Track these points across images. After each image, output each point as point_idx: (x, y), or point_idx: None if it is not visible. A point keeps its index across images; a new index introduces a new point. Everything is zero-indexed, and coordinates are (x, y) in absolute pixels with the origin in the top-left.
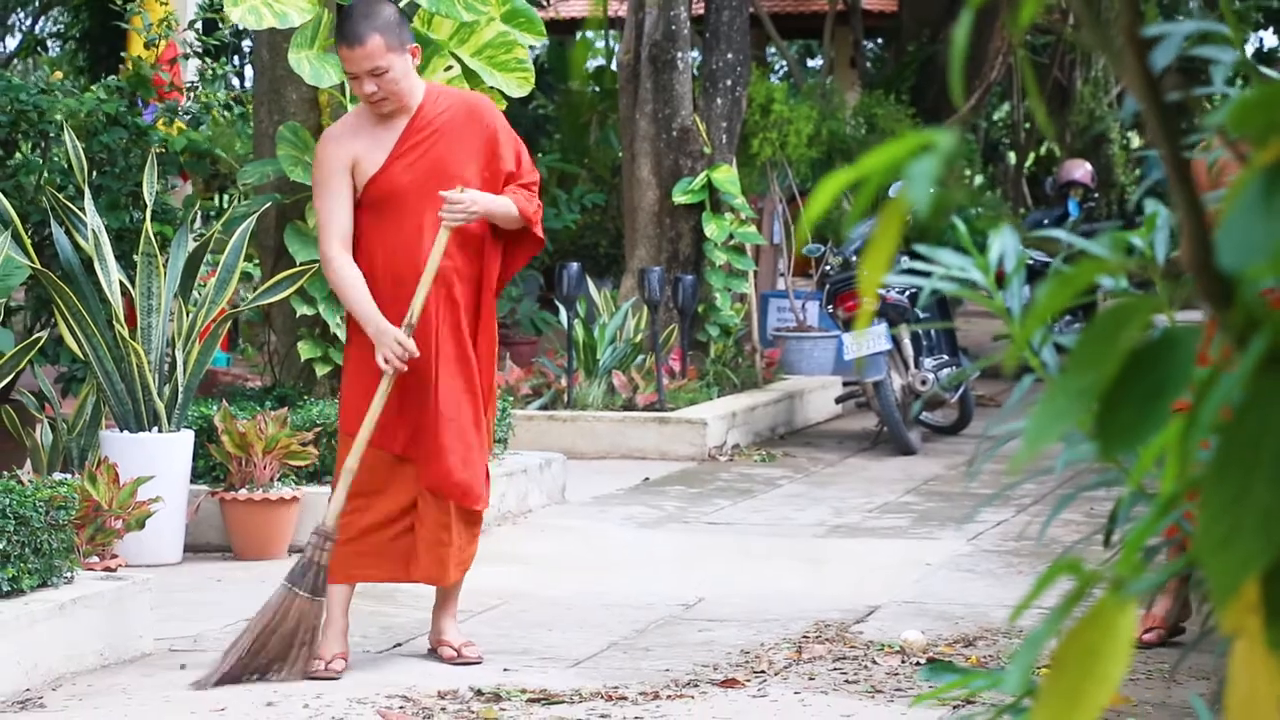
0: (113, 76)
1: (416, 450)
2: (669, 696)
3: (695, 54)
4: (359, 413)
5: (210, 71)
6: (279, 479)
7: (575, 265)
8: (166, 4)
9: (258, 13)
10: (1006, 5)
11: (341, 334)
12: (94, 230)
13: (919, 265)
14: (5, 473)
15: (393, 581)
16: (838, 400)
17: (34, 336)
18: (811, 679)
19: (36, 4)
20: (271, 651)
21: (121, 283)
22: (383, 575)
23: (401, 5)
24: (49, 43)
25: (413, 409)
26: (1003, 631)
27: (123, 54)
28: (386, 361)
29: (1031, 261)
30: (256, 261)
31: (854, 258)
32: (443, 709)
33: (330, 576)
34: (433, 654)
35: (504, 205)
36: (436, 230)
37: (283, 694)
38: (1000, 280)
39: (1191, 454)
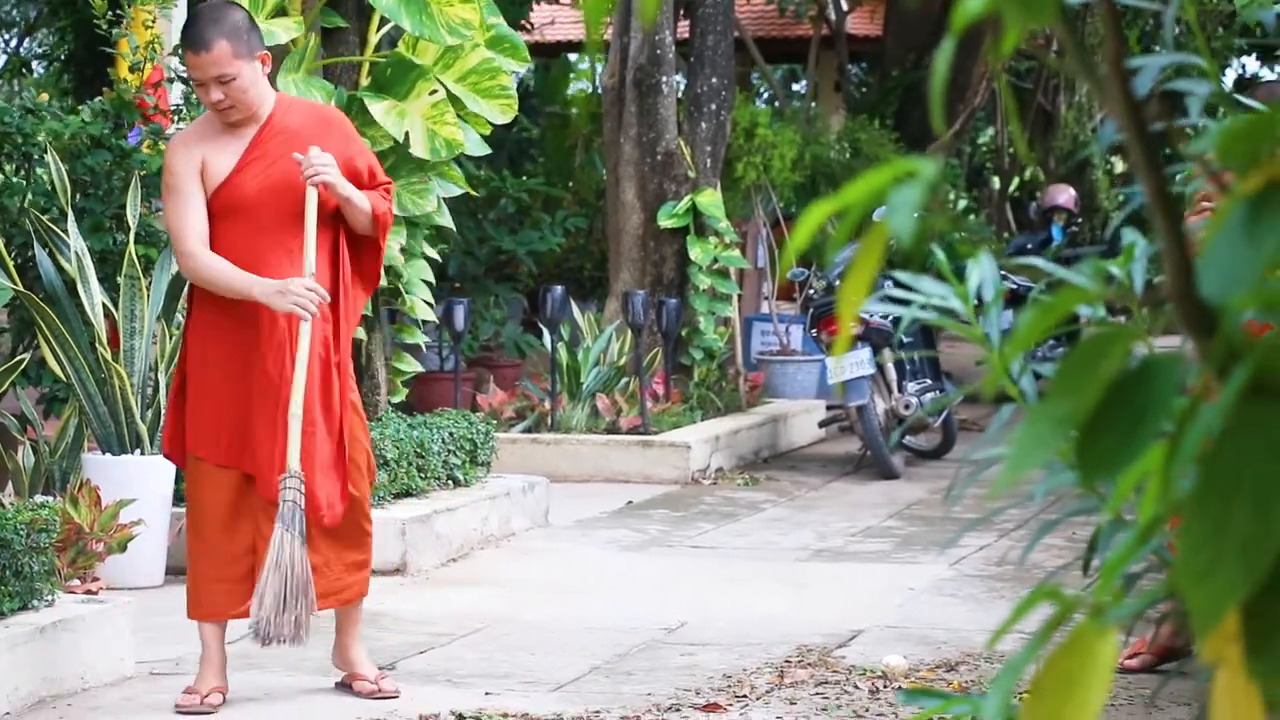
0: (98, 99)
1: (259, 462)
2: None
3: (680, 78)
4: (212, 431)
5: (195, 95)
6: None
7: (559, 288)
8: (153, 27)
9: None
10: (990, 31)
11: None
12: (77, 253)
13: (900, 293)
14: None
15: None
16: (821, 424)
17: (16, 358)
18: (793, 704)
19: (21, 25)
20: (293, 603)
21: (105, 305)
22: (241, 610)
23: (386, 29)
24: (34, 64)
25: (261, 420)
26: (985, 656)
27: (108, 76)
28: (302, 308)
29: (1015, 286)
30: None
31: (837, 282)
32: None
33: (197, 614)
34: (344, 688)
35: (359, 194)
36: (285, 245)
37: (266, 717)
38: (981, 307)
39: (1173, 484)
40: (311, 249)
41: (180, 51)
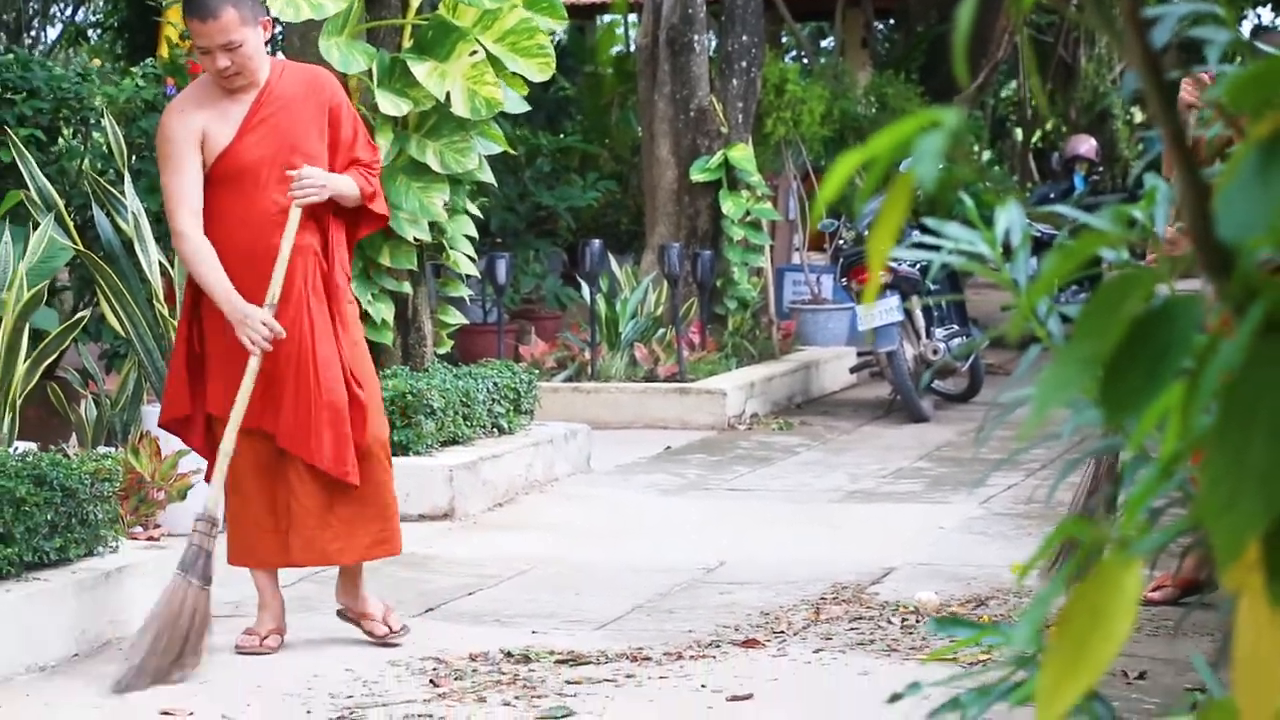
0: (149, 61)
1: (282, 423)
2: (692, 657)
3: (711, 37)
4: (223, 390)
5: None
6: None
7: (597, 242)
8: None
9: (295, 5)
10: None
11: (375, 311)
12: (134, 213)
13: (928, 240)
14: (52, 446)
15: (288, 566)
16: (852, 370)
17: (78, 315)
18: (829, 639)
19: None
20: (173, 649)
21: (161, 263)
22: (279, 560)
23: None
24: (90, 32)
25: (284, 383)
26: (1014, 591)
27: (158, 42)
28: (252, 344)
29: (1038, 234)
30: None
31: (866, 232)
32: (474, 670)
33: (247, 561)
34: (348, 620)
35: (349, 185)
36: (288, 206)
37: (322, 660)
38: (1007, 253)
39: (1193, 419)
40: (280, 275)
41: (185, 19)
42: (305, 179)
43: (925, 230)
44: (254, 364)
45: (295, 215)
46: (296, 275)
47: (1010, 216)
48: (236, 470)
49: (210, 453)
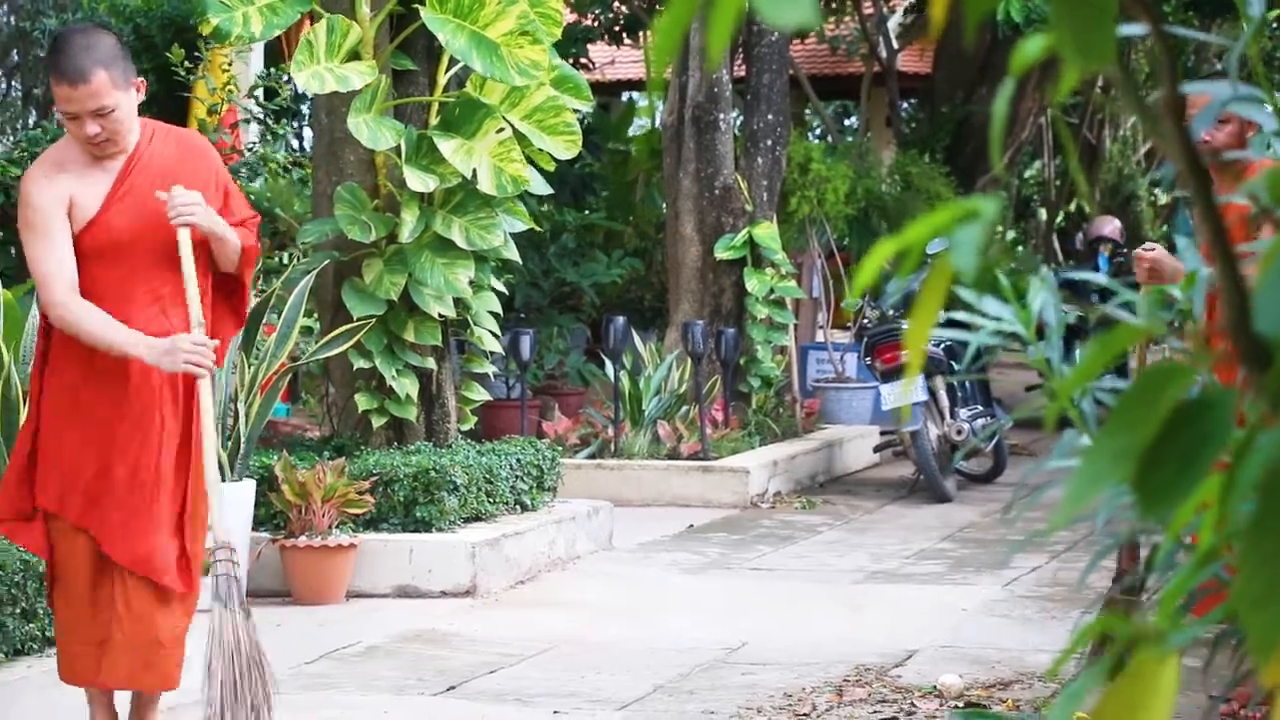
0: None
1: (109, 527)
2: None
3: (736, 115)
4: (55, 483)
5: (270, 135)
6: (337, 526)
7: (621, 319)
8: (228, 70)
9: (321, 78)
10: (1039, 70)
11: (399, 386)
12: None
13: (959, 318)
14: None
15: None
16: (876, 449)
17: None
18: None
19: None
20: (246, 690)
21: None
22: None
23: (455, 70)
24: None
25: (114, 482)
26: (1038, 676)
27: (187, 118)
28: (197, 367)
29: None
30: (316, 316)
31: (890, 311)
32: None
33: (69, 678)
34: None
35: (226, 228)
36: (155, 290)
37: None
38: (1039, 333)
39: (1232, 513)
40: (194, 295)
41: (52, 83)
42: (177, 198)
43: (957, 305)
44: (206, 386)
45: (185, 238)
46: (152, 373)
47: (1045, 296)
48: (64, 571)
49: (48, 551)
